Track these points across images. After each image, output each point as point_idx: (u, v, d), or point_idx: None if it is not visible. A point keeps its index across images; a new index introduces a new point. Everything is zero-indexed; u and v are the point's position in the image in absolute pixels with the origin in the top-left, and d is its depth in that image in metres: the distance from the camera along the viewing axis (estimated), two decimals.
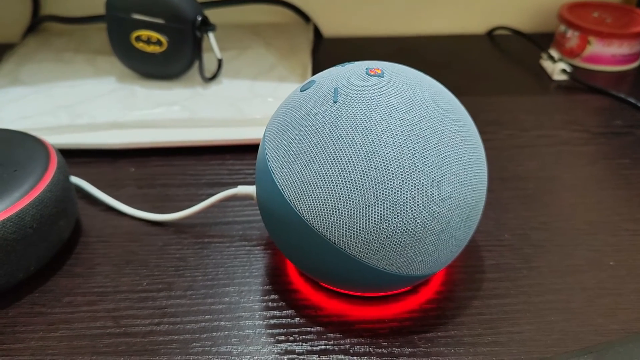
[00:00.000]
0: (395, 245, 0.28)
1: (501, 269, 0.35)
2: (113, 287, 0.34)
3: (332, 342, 0.31)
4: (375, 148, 0.27)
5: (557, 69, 0.56)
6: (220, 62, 0.51)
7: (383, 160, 0.27)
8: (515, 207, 0.40)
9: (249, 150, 0.46)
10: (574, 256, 0.36)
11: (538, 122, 0.50)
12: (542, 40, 0.62)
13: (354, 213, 0.27)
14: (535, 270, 0.35)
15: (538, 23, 0.66)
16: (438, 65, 0.59)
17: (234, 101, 0.48)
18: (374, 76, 0.30)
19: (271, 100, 0.48)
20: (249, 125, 0.46)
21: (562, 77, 0.56)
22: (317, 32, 0.65)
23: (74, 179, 0.41)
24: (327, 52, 0.62)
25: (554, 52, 0.58)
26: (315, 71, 0.55)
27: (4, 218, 0.31)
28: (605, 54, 0.57)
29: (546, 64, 0.58)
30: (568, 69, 0.55)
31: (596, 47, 0.57)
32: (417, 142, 0.27)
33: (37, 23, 0.61)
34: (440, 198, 0.27)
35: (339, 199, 0.27)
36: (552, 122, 0.50)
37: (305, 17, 0.64)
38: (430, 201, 0.27)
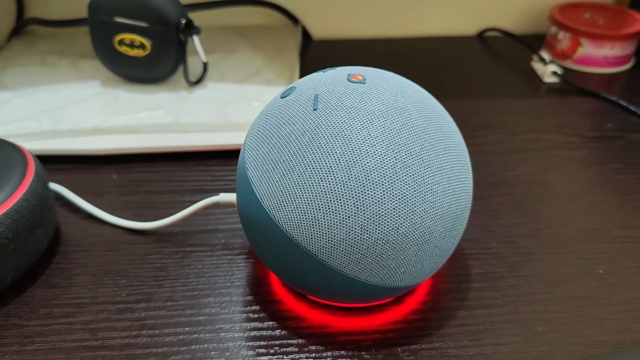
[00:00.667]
0: (377, 256, 0.27)
1: (488, 278, 0.34)
2: (91, 298, 0.33)
3: (313, 354, 0.30)
4: (356, 157, 0.26)
5: (548, 71, 0.55)
6: (205, 65, 0.50)
7: (364, 169, 0.26)
8: (504, 214, 0.39)
9: (234, 155, 0.45)
10: (563, 264, 0.35)
11: (529, 125, 0.49)
12: (533, 42, 0.61)
13: (334, 224, 0.26)
14: (523, 279, 0.34)
15: (529, 24, 0.65)
16: (428, 67, 0.59)
17: (219, 105, 0.48)
18: (356, 82, 0.29)
19: (257, 105, 0.48)
20: (234, 130, 0.45)
21: (553, 80, 0.55)
22: (306, 34, 0.64)
23: (54, 186, 0.40)
24: (316, 54, 0.62)
25: (545, 54, 0.57)
26: (303, 74, 0.54)
27: None
28: (597, 55, 0.56)
29: (537, 66, 0.57)
30: (559, 71, 0.55)
31: (588, 48, 0.56)
32: (399, 151, 0.27)
33: (22, 26, 0.60)
34: (422, 208, 0.27)
35: (319, 210, 0.26)
36: (543, 126, 0.49)
37: (294, 19, 0.63)
38: (413, 211, 0.26)
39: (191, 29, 0.48)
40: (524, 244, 0.37)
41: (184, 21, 0.47)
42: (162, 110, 0.47)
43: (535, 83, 0.56)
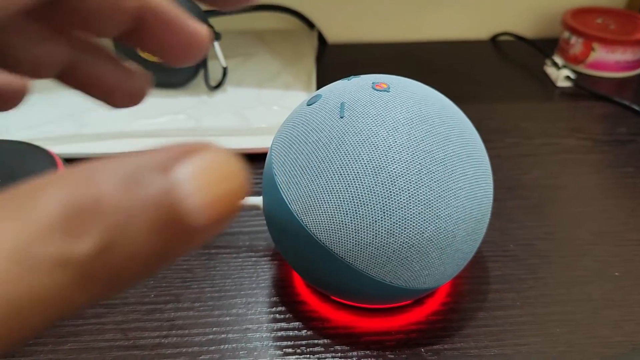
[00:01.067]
0: (401, 259, 0.28)
1: (506, 280, 0.35)
2: (121, 299, 0.35)
3: (339, 354, 0.31)
4: (382, 164, 0.27)
5: (561, 75, 0.56)
6: (225, 70, 0.51)
7: (390, 175, 0.27)
8: (520, 217, 0.40)
9: (254, 159, 0.46)
10: (579, 267, 0.36)
11: (542, 129, 0.50)
12: (546, 47, 0.62)
13: (361, 228, 0.27)
14: (540, 281, 0.35)
15: (542, 29, 0.66)
16: (441, 71, 0.59)
17: (239, 109, 0.49)
18: (380, 91, 0.30)
19: (276, 109, 0.49)
20: (254, 134, 0.46)
21: (566, 84, 0.56)
22: (321, 39, 0.65)
23: None
24: (332, 58, 0.63)
25: (557, 59, 0.58)
26: (319, 78, 0.55)
27: None
28: (609, 60, 0.57)
29: (550, 70, 0.58)
30: (572, 75, 0.55)
31: (600, 53, 0.57)
32: (424, 158, 0.27)
33: None
34: (446, 213, 0.28)
35: (346, 214, 0.27)
36: (556, 130, 0.50)
37: (310, 24, 0.64)
38: (437, 216, 0.27)
39: (212, 34, 0.49)
40: (540, 246, 0.38)
41: None
42: (183, 114, 0.48)
43: (548, 87, 0.56)
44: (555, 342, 0.32)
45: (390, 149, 0.27)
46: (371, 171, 0.27)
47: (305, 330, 0.32)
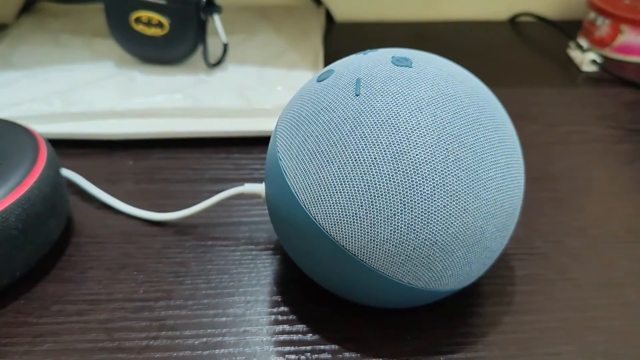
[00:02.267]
0: (423, 258, 0.24)
1: (534, 281, 0.32)
2: (107, 294, 0.31)
3: None
4: (404, 148, 0.24)
5: (586, 59, 0.52)
6: (226, 46, 0.47)
7: (412, 162, 0.23)
8: (548, 211, 0.37)
9: (256, 143, 0.42)
10: (614, 267, 0.33)
11: (568, 116, 0.46)
12: (569, 28, 0.58)
13: (377, 222, 0.24)
14: (571, 282, 0.32)
15: (565, 10, 0.62)
16: (457, 53, 0.56)
17: (241, 89, 0.45)
18: (401, 66, 0.26)
19: (280, 89, 0.45)
20: (256, 116, 0.43)
21: (592, 68, 0.52)
22: (328, 17, 0.61)
23: (66, 173, 0.38)
24: (340, 37, 0.59)
25: (582, 41, 0.54)
26: (327, 58, 0.52)
27: None
28: (639, 43, 0.53)
29: (574, 53, 0.54)
30: (598, 59, 0.52)
31: (629, 36, 0.53)
32: (451, 143, 0.24)
33: (32, 2, 0.57)
34: (475, 206, 0.24)
35: (361, 206, 0.24)
36: (583, 117, 0.46)
37: (317, 0, 0.60)
38: (465, 209, 0.24)
39: (212, 7, 0.45)
40: (570, 244, 0.34)
41: None
42: (180, 93, 0.44)
43: (572, 72, 0.52)
44: (591, 351, 0.28)
45: (412, 131, 0.24)
46: (391, 157, 0.24)
47: (310, 334, 0.29)
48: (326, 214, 0.25)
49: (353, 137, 0.24)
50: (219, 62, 0.47)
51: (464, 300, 0.31)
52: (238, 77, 0.47)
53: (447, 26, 0.61)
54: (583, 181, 0.39)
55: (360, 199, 0.24)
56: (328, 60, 0.51)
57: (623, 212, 0.37)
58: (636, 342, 0.29)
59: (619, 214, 0.36)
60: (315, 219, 0.25)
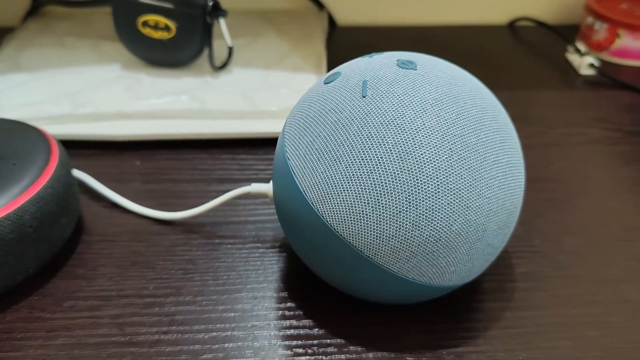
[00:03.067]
0: (427, 254, 0.25)
1: (534, 278, 0.33)
2: (117, 290, 0.32)
3: (354, 355, 0.28)
4: (409, 148, 0.24)
5: (584, 63, 0.53)
6: (231, 50, 0.48)
7: (417, 161, 0.24)
8: (546, 211, 0.37)
9: (261, 144, 0.43)
10: (612, 265, 0.34)
11: (566, 119, 0.47)
12: (567, 33, 0.59)
13: (383, 219, 0.25)
14: (570, 279, 0.33)
15: (563, 14, 0.63)
16: (457, 57, 0.56)
17: (246, 92, 0.46)
18: (406, 68, 0.27)
19: (284, 92, 0.46)
20: (261, 117, 0.44)
21: (590, 72, 0.53)
22: (331, 21, 0.62)
23: (76, 173, 0.38)
24: (342, 41, 0.60)
25: (580, 45, 0.55)
26: (330, 61, 0.52)
27: (1, 216, 0.29)
28: (636, 47, 0.54)
29: (572, 57, 0.55)
30: (596, 63, 0.53)
31: (626, 40, 0.54)
32: (455, 142, 0.25)
33: (38, 6, 0.58)
34: (477, 204, 0.25)
35: (368, 203, 0.25)
36: (581, 120, 0.47)
37: (319, 4, 0.61)
38: (467, 207, 0.25)
39: (218, 11, 0.46)
40: (569, 242, 0.35)
41: (211, 3, 0.45)
42: (186, 95, 0.45)
43: (570, 75, 0.53)
44: (588, 346, 0.29)
45: (417, 131, 0.25)
46: (396, 156, 0.24)
47: (317, 329, 0.30)
48: (334, 211, 0.25)
49: (360, 137, 0.25)
50: (224, 65, 0.48)
51: (466, 296, 0.31)
52: (243, 79, 0.48)
53: (447, 30, 0.62)
54: (581, 182, 0.40)
55: (367, 197, 0.25)
56: (330, 63, 0.52)
57: (620, 212, 0.37)
58: (633, 336, 0.29)
59: (617, 214, 0.37)
60: (323, 216, 0.26)
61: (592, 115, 0.48)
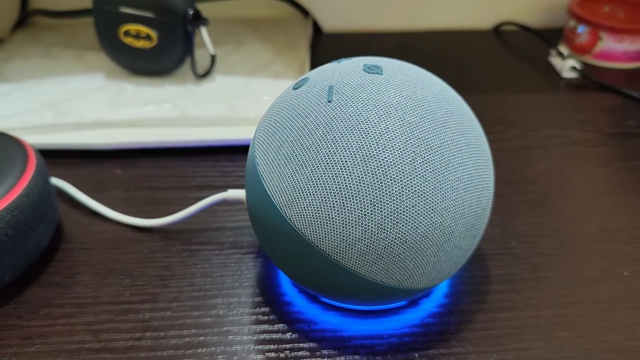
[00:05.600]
0: (394, 257, 0.25)
1: (508, 280, 0.33)
2: (93, 298, 0.32)
3: (325, 359, 0.29)
4: (373, 151, 0.25)
5: (566, 66, 0.53)
6: (213, 58, 0.48)
7: (381, 164, 0.25)
8: (524, 213, 0.38)
9: (242, 151, 0.43)
10: (586, 266, 0.34)
11: (547, 121, 0.47)
12: (550, 36, 0.59)
13: (349, 222, 0.25)
14: (544, 281, 0.33)
15: (546, 18, 0.63)
16: (442, 62, 0.57)
17: (228, 99, 0.46)
18: (372, 73, 0.27)
19: (267, 99, 0.46)
20: (242, 124, 0.44)
21: (572, 75, 0.53)
22: (316, 27, 0.63)
23: (56, 181, 0.39)
24: (327, 47, 0.60)
25: (563, 49, 0.56)
26: (314, 67, 0.53)
27: None
28: (617, 50, 0.54)
29: (555, 60, 0.55)
30: (578, 66, 0.53)
31: (607, 43, 0.54)
32: (418, 145, 0.25)
33: (26, 17, 0.59)
34: (443, 206, 0.25)
35: (333, 207, 0.25)
36: (562, 122, 0.47)
37: (304, 12, 0.61)
38: (432, 209, 0.25)
39: (199, 19, 0.46)
40: (545, 244, 0.35)
41: (191, 12, 0.45)
42: (168, 103, 0.46)
43: (553, 78, 0.54)
44: (560, 346, 0.29)
45: (381, 135, 0.25)
46: (360, 160, 0.25)
47: (290, 333, 0.30)
48: (301, 215, 0.26)
49: (325, 142, 0.25)
50: (206, 73, 0.49)
51: (438, 299, 0.32)
52: (225, 87, 0.48)
53: (432, 35, 0.62)
54: (559, 183, 0.40)
55: (332, 201, 0.25)
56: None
57: (597, 213, 0.38)
58: (604, 337, 0.30)
59: (593, 215, 0.37)
60: (290, 220, 0.26)
61: (573, 117, 0.48)
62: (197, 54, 0.48)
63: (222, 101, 0.46)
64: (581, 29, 0.55)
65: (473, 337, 0.30)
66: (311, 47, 0.57)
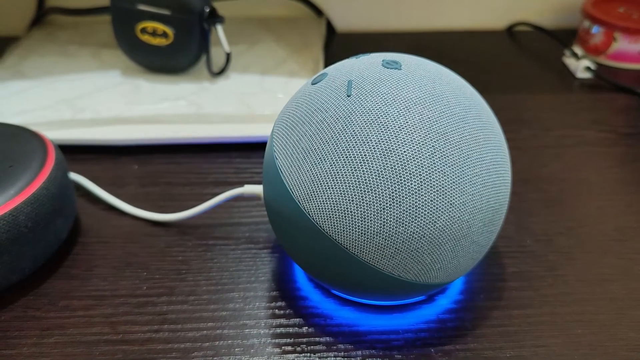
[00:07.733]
0: (412, 251, 0.25)
1: (524, 277, 0.33)
2: (111, 290, 0.32)
3: (342, 353, 0.29)
4: (392, 146, 0.25)
5: (580, 66, 0.53)
6: (228, 56, 0.49)
7: (400, 159, 0.25)
8: (539, 211, 0.38)
9: (256, 148, 0.44)
10: (601, 264, 0.34)
11: (562, 121, 0.47)
12: (564, 37, 0.59)
13: (367, 216, 0.25)
14: (560, 278, 0.33)
15: (560, 19, 0.63)
16: (456, 62, 0.57)
17: (242, 97, 0.46)
18: (391, 68, 0.27)
19: (281, 97, 0.46)
20: (257, 121, 0.44)
21: (586, 75, 0.53)
22: (330, 27, 0.63)
23: (74, 176, 0.39)
24: (340, 47, 0.60)
25: (577, 49, 0.55)
26: (327, 66, 0.53)
27: None
28: (632, 51, 0.54)
29: (569, 61, 0.55)
30: (592, 66, 0.53)
31: (622, 43, 0.54)
32: (437, 140, 0.25)
33: (43, 15, 0.59)
34: (461, 201, 0.25)
35: (352, 201, 0.25)
36: (577, 122, 0.47)
37: (318, 11, 0.62)
38: (451, 204, 0.25)
39: (215, 18, 0.47)
40: (560, 242, 0.35)
41: (207, 9, 0.46)
42: (184, 100, 0.46)
43: (567, 79, 0.54)
44: (576, 343, 0.29)
45: (400, 129, 0.25)
46: (380, 154, 0.25)
47: (306, 327, 0.30)
48: (319, 209, 0.26)
49: (344, 136, 0.26)
50: (221, 71, 0.49)
51: (454, 296, 0.32)
52: (240, 85, 0.48)
53: (446, 35, 0.62)
54: (574, 183, 0.40)
55: (351, 194, 0.25)
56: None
57: (612, 212, 0.38)
58: (621, 334, 0.30)
59: (608, 214, 0.37)
60: (309, 214, 0.26)
61: (587, 117, 0.48)
62: (212, 52, 0.49)
63: (237, 99, 0.46)
64: (595, 29, 0.55)
65: (489, 334, 0.30)
66: (325, 47, 0.57)
